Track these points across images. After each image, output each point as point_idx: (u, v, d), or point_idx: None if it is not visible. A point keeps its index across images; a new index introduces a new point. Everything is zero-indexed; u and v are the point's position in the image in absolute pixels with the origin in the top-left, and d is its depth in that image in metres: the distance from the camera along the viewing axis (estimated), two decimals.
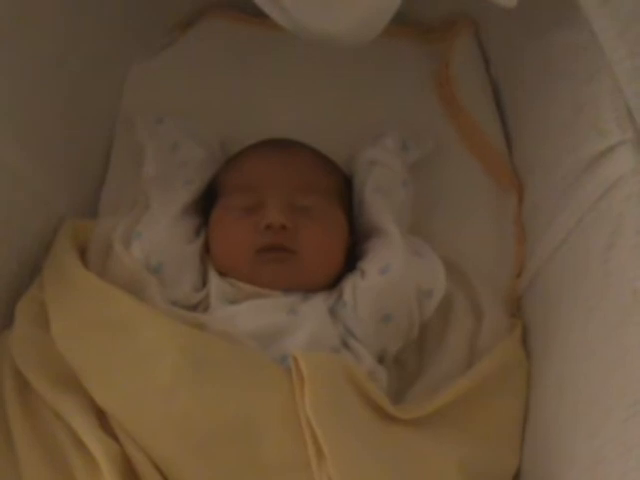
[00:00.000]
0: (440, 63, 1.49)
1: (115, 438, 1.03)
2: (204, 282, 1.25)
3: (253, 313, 1.17)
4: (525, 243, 1.34)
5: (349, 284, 1.21)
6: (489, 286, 1.30)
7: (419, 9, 1.48)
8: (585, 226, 1.14)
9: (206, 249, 1.28)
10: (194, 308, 1.22)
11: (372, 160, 1.33)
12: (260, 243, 1.21)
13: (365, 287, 1.19)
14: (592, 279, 1.09)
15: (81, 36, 1.34)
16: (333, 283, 1.25)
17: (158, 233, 1.24)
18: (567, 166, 1.19)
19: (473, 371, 1.17)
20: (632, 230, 1.03)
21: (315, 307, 1.19)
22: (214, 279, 1.23)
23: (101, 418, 1.06)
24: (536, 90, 1.32)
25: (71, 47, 1.32)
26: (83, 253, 1.25)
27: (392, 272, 1.19)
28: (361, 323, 1.18)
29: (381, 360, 1.20)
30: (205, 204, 1.33)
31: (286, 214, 1.21)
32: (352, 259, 1.28)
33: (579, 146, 1.16)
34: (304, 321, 1.16)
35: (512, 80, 1.44)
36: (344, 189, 1.33)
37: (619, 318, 1.01)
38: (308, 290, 1.22)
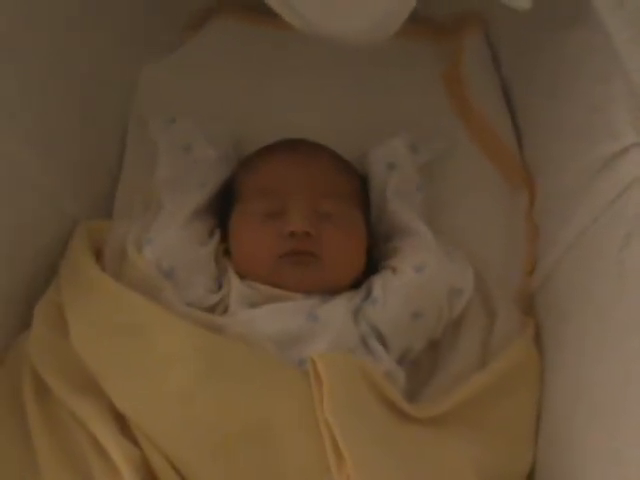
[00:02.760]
0: (450, 62, 1.49)
1: (134, 441, 1.04)
2: (220, 284, 1.25)
3: (273, 317, 1.17)
4: (537, 241, 1.34)
5: (379, 281, 1.22)
6: (501, 285, 1.31)
7: (429, 7, 1.47)
8: (600, 226, 1.14)
9: (224, 251, 1.28)
10: (211, 310, 1.21)
11: (389, 163, 1.33)
12: (283, 249, 1.21)
13: (400, 284, 1.20)
14: (607, 280, 1.09)
15: (92, 37, 1.34)
16: (354, 284, 1.26)
17: (169, 237, 1.24)
18: (581, 166, 1.19)
19: (487, 370, 1.18)
20: None
21: (336, 311, 1.19)
22: (234, 282, 1.23)
23: (120, 421, 1.06)
24: (548, 90, 1.31)
25: (82, 48, 1.31)
26: (98, 254, 1.25)
27: (428, 270, 1.21)
28: (390, 320, 1.19)
29: (402, 360, 1.21)
30: (220, 205, 1.33)
31: (310, 221, 1.21)
32: (370, 259, 1.29)
33: (593, 147, 1.16)
34: (324, 328, 1.16)
35: (523, 79, 1.44)
36: (362, 191, 1.34)
37: (636, 319, 1.01)
38: (329, 292, 1.23)
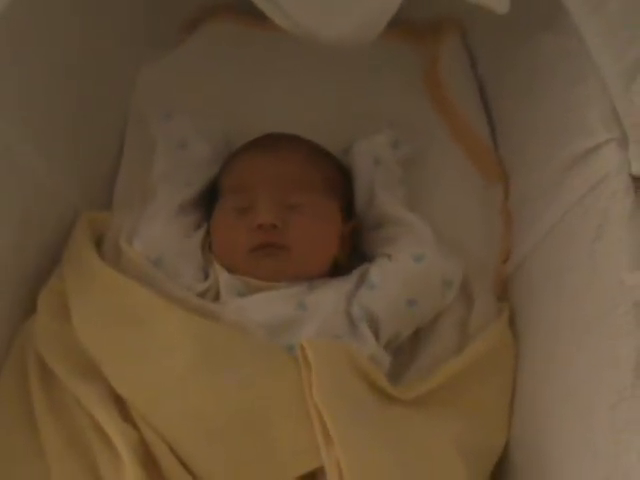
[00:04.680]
0: (430, 64, 1.53)
1: (133, 424, 1.07)
2: (207, 273, 1.29)
3: (263, 305, 1.22)
4: (512, 232, 1.38)
5: (376, 268, 1.27)
6: (478, 273, 1.34)
7: (410, 11, 1.47)
8: (571, 219, 1.19)
9: (210, 244, 1.32)
10: (201, 297, 1.24)
11: (376, 158, 1.38)
12: (253, 242, 1.26)
13: (398, 270, 1.25)
14: (578, 269, 1.14)
15: (92, 37, 1.37)
16: (335, 269, 1.31)
17: (154, 231, 1.28)
18: (555, 162, 1.23)
19: (465, 353, 1.22)
20: (617, 224, 1.08)
21: (325, 299, 1.23)
22: (223, 274, 1.27)
23: (120, 405, 1.09)
24: (523, 90, 1.36)
25: (82, 48, 1.34)
26: (100, 244, 1.29)
27: (427, 261, 1.25)
28: (387, 305, 1.23)
29: (388, 345, 1.25)
30: (209, 200, 1.37)
31: (276, 213, 1.26)
32: (355, 246, 1.35)
33: (567, 143, 1.20)
34: (313, 315, 1.20)
35: (499, 80, 1.49)
36: (339, 178, 1.38)
37: (606, 308, 1.05)
38: (309, 278, 1.27)
